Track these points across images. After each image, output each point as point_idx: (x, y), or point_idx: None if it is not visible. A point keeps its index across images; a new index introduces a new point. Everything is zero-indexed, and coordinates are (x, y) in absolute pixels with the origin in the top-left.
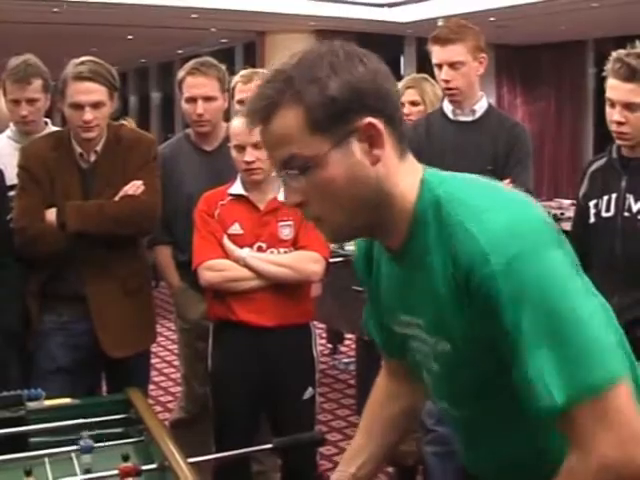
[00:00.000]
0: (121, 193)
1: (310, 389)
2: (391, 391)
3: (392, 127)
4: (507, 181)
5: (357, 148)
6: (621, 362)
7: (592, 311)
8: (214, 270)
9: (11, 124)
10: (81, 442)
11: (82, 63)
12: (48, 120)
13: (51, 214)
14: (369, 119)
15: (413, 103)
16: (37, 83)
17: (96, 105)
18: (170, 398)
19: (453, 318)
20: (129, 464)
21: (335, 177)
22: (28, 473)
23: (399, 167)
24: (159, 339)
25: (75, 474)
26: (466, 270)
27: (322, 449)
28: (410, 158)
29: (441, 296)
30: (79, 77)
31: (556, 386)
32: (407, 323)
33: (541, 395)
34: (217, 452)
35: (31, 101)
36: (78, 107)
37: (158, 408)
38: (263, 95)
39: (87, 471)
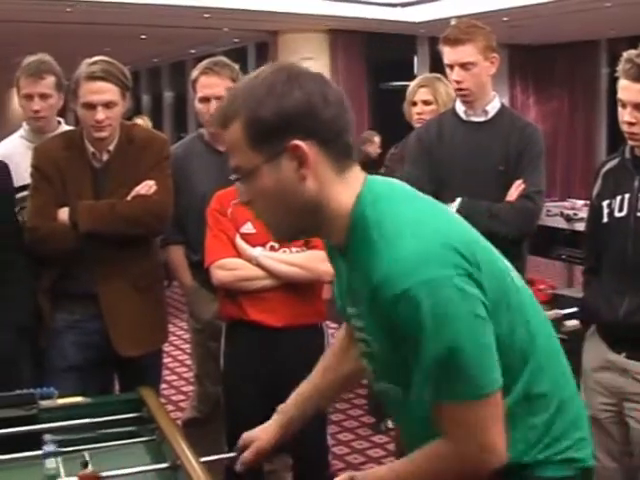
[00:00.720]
0: (133, 193)
1: None
2: (342, 352)
3: (328, 147)
4: (519, 182)
5: (287, 165)
6: (487, 384)
7: (475, 338)
8: (226, 269)
9: (24, 123)
10: (44, 447)
11: (94, 63)
12: (61, 119)
13: (63, 213)
14: (296, 142)
15: (426, 102)
16: (50, 79)
17: (108, 105)
18: (182, 397)
19: (371, 323)
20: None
21: (266, 188)
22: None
23: (334, 183)
24: (171, 338)
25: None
26: (373, 289)
27: (334, 449)
28: (352, 174)
29: (364, 302)
30: (91, 77)
31: (426, 392)
32: (352, 314)
33: (417, 396)
34: (229, 451)
35: (44, 96)
36: (90, 107)
37: (170, 407)
38: (221, 107)
39: (52, 477)
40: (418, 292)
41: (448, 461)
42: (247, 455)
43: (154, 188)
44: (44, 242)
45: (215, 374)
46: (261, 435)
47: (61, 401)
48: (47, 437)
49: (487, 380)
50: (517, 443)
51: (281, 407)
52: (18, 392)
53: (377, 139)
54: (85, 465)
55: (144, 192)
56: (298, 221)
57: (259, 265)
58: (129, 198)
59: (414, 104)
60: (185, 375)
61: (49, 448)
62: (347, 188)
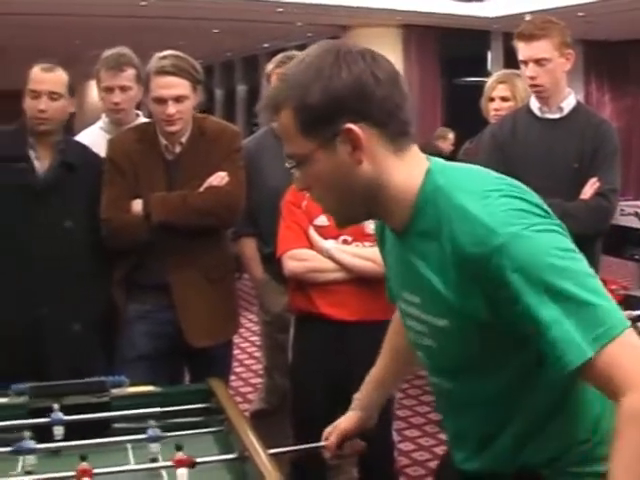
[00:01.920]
0: (205, 184)
1: None
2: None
3: (382, 128)
4: (594, 180)
5: (341, 149)
6: (621, 317)
7: (593, 274)
8: (297, 259)
9: (103, 115)
10: (149, 431)
11: (165, 57)
12: (139, 112)
13: (136, 205)
14: (348, 125)
15: (503, 99)
16: (130, 72)
17: (178, 99)
18: (250, 389)
19: (450, 297)
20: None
21: (322, 174)
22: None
23: (393, 162)
24: (241, 330)
25: (157, 461)
26: (468, 248)
27: (400, 445)
28: (411, 152)
29: (437, 278)
30: (161, 71)
31: (580, 337)
32: (408, 301)
33: (568, 349)
34: (296, 444)
35: (124, 89)
36: (161, 101)
37: (238, 399)
38: (268, 96)
39: (153, 460)
40: (527, 236)
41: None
42: (331, 441)
43: (226, 179)
44: (117, 233)
45: (284, 367)
46: (340, 426)
47: (132, 390)
48: (151, 422)
49: (619, 313)
50: (582, 424)
51: (357, 395)
52: (90, 380)
53: (451, 135)
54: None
55: (216, 183)
56: (357, 204)
57: (331, 258)
58: (201, 190)
59: (492, 100)
60: (254, 367)
61: (153, 432)
62: (407, 166)
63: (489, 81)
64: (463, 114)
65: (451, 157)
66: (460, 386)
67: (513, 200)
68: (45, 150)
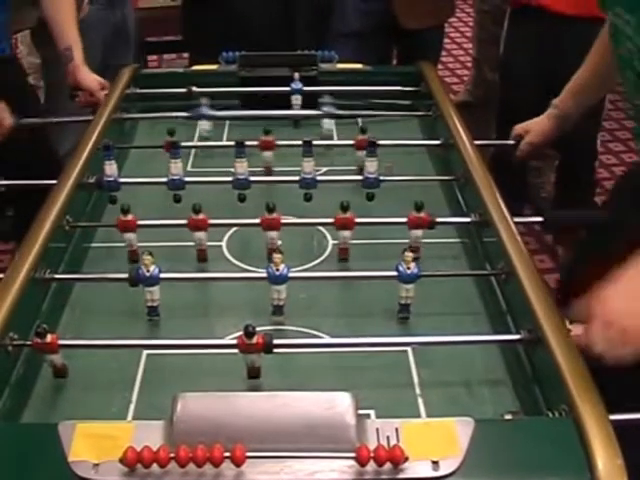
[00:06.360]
0: None
1: None
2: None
3: None
4: None
5: None
6: None
7: None
8: None
9: None
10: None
11: None
12: None
13: None
14: None
15: None
16: None
17: None
18: (456, 80)
19: None
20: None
21: None
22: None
23: None
24: (452, 20)
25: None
26: None
27: (603, 157)
28: None
29: None
30: None
31: None
32: (622, 18)
33: None
34: (497, 139)
35: None
36: None
37: None
38: None
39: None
40: None
41: None
42: (523, 145)
43: None
44: None
45: (494, 60)
46: (534, 127)
47: (340, 66)
48: (326, 99)
49: None
50: None
51: (555, 101)
52: (300, 53)
53: None
54: (363, 131)
55: None
56: None
57: None
58: None
59: None
60: (461, 59)
61: (328, 109)
62: None
63: None
64: None
65: None
66: None
67: None
68: None
